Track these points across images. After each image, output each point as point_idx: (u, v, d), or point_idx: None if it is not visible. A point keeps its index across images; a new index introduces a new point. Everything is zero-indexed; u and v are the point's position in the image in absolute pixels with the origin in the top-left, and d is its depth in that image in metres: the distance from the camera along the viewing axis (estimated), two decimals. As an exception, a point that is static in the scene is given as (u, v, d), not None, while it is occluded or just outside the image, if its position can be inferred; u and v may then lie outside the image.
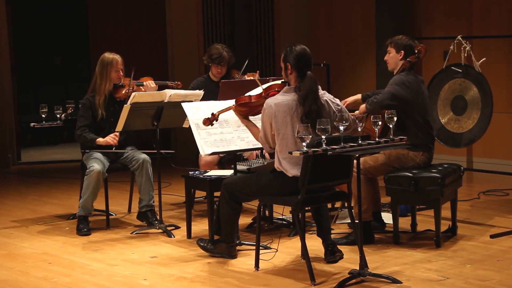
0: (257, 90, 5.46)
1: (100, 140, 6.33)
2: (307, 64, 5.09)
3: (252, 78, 6.75)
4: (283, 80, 5.21)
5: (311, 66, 5.11)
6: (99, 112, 6.43)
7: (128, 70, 6.58)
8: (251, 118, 5.43)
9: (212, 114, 5.49)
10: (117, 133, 6.31)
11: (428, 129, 5.79)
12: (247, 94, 5.49)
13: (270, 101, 5.05)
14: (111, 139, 6.29)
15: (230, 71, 7.16)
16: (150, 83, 6.66)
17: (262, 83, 5.55)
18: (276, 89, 5.22)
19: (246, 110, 5.36)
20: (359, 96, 6.12)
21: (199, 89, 6.69)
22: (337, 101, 5.20)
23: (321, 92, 5.12)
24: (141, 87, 6.63)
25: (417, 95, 5.72)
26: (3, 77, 10.00)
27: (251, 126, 5.39)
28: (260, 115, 5.37)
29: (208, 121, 5.50)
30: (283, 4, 10.48)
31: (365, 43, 9.76)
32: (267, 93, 5.24)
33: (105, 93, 6.46)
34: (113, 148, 6.34)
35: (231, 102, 5.64)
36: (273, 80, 5.96)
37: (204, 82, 7.06)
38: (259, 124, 5.35)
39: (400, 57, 5.83)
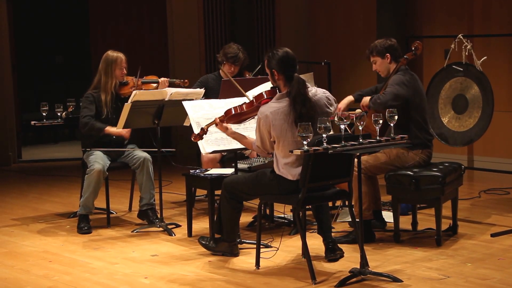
0: (244, 99, 5.43)
1: (110, 129, 6.29)
2: (292, 66, 5.04)
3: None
4: (272, 86, 5.18)
5: (296, 68, 5.08)
6: (104, 109, 6.42)
7: (131, 68, 6.58)
8: (233, 126, 5.36)
9: (202, 129, 5.43)
10: (129, 129, 6.32)
11: (426, 127, 5.79)
12: (235, 105, 5.35)
13: (264, 110, 5.00)
14: (125, 131, 6.29)
15: (243, 71, 7.17)
16: (165, 80, 6.63)
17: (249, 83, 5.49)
18: (268, 96, 5.15)
19: (235, 120, 5.31)
20: (351, 97, 6.07)
21: (207, 85, 6.69)
22: (327, 93, 5.17)
23: (313, 90, 5.08)
24: (153, 84, 6.59)
25: (415, 94, 5.73)
26: (4, 75, 10.00)
27: (240, 139, 5.33)
28: (242, 124, 5.33)
29: (198, 137, 5.45)
30: (284, 2, 10.47)
31: (366, 41, 9.70)
32: (259, 102, 5.17)
33: (112, 91, 6.46)
34: (114, 147, 6.33)
35: (233, 101, 5.63)
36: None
37: (214, 80, 7.05)
38: (245, 133, 5.32)
39: (388, 60, 5.83)
